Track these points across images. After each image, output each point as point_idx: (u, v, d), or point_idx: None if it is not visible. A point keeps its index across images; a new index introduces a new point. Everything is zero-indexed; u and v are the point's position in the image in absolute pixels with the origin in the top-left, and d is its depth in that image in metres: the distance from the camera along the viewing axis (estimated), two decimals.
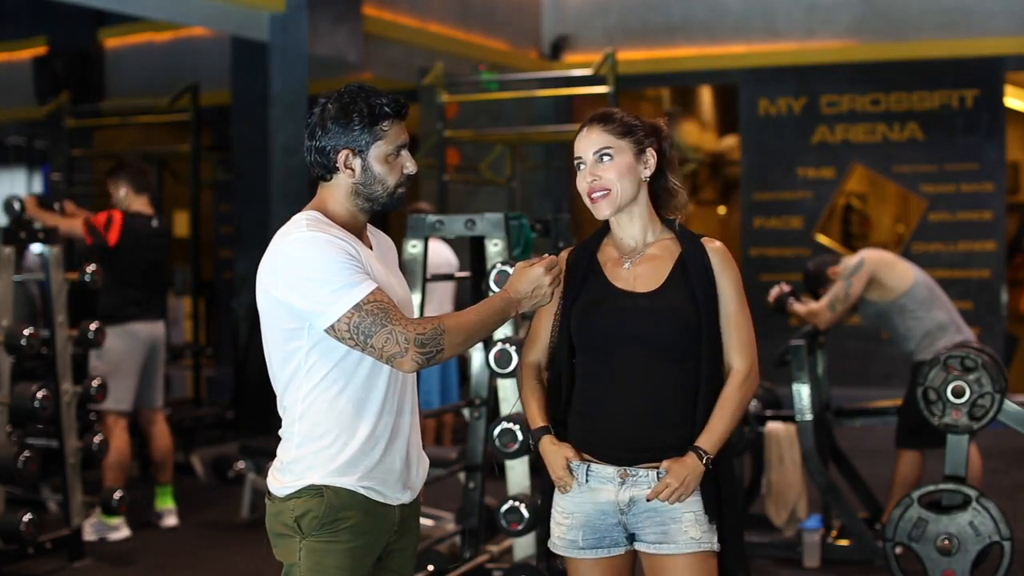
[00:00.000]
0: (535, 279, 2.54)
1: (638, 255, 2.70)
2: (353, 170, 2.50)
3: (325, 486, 2.46)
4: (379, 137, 2.49)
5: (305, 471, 2.47)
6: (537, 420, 2.74)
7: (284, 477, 2.50)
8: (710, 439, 2.61)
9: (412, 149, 2.59)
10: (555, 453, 2.67)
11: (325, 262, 2.39)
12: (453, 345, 2.42)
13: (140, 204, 6.00)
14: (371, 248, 2.57)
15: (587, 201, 2.70)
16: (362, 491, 2.48)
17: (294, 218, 2.50)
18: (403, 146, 2.54)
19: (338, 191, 2.53)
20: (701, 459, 2.59)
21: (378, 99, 2.49)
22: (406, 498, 2.57)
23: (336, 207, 2.53)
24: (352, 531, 2.47)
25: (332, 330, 2.39)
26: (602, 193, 2.66)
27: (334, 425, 2.47)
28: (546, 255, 2.64)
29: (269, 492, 2.54)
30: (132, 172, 6.05)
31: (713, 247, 2.69)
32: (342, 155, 2.49)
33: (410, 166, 2.55)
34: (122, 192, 5.99)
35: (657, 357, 2.62)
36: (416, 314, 2.65)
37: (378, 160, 2.50)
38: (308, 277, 2.38)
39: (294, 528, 2.47)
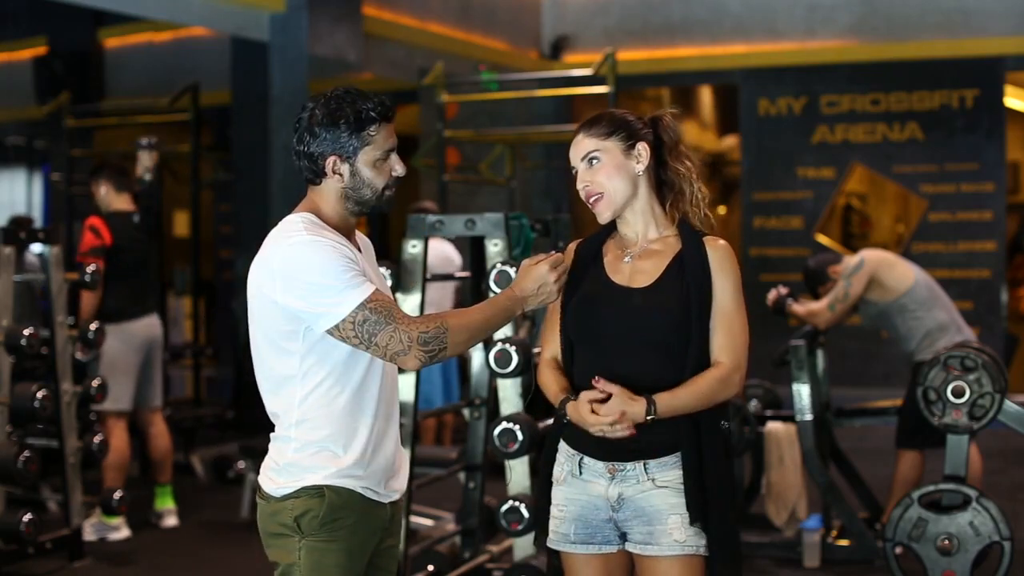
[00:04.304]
0: (540, 277, 2.54)
1: (639, 249, 2.69)
2: (342, 175, 2.51)
3: (326, 486, 2.46)
4: (367, 142, 2.50)
5: (304, 472, 2.47)
6: (559, 395, 2.67)
7: (280, 478, 2.50)
8: (668, 402, 2.54)
9: (412, 149, 2.60)
10: (579, 407, 2.57)
11: (328, 265, 2.40)
12: (456, 343, 2.44)
13: (121, 202, 6.00)
14: (360, 251, 2.58)
15: (590, 207, 2.70)
16: (360, 490, 2.49)
17: (288, 219, 2.51)
18: (391, 150, 2.54)
19: (328, 195, 2.54)
20: (647, 409, 2.52)
21: (365, 103, 2.49)
22: (395, 495, 2.60)
23: (328, 210, 2.54)
24: (350, 530, 2.49)
25: (336, 330, 2.40)
26: (597, 197, 2.66)
27: (333, 429, 2.47)
28: (552, 252, 2.63)
29: (263, 492, 2.53)
30: (112, 171, 6.05)
31: (714, 245, 2.65)
32: (330, 161, 2.50)
33: (399, 169, 2.56)
34: (103, 191, 5.99)
35: (648, 353, 2.60)
36: (415, 315, 2.66)
37: (367, 165, 2.51)
38: (310, 280, 2.40)
39: (293, 528, 2.47)
